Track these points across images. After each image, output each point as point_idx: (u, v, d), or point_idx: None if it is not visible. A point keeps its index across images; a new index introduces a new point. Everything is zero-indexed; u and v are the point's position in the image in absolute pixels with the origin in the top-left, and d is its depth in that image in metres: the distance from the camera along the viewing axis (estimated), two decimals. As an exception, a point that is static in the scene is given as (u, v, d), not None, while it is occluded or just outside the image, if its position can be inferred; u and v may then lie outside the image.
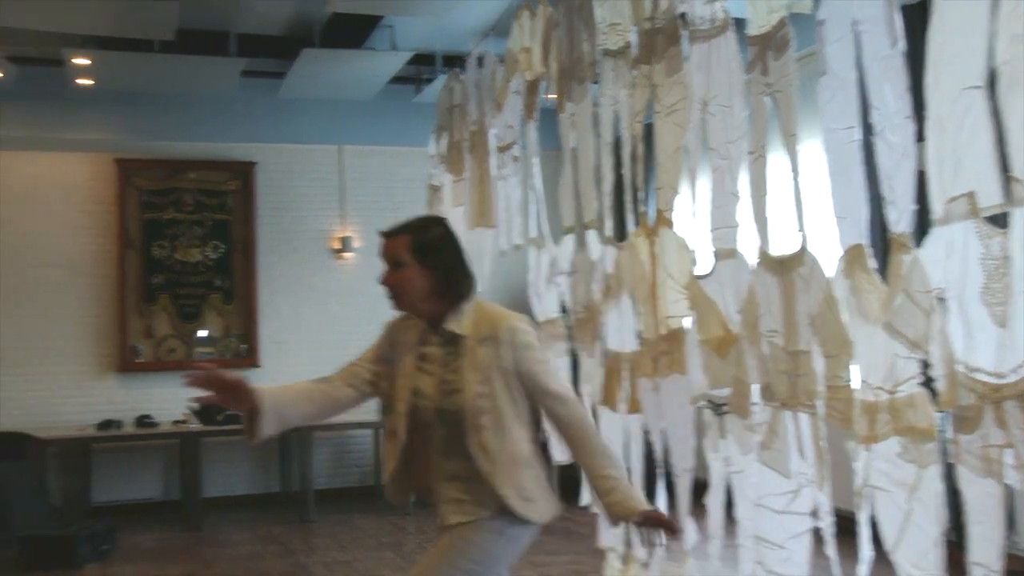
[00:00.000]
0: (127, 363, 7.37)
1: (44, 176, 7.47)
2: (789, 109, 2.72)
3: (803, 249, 2.68)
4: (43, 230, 7.40)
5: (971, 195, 2.16)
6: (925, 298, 2.26)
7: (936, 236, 2.26)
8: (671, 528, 2.42)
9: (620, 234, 3.74)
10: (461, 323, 2.52)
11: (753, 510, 2.96)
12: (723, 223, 3.04)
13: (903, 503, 2.36)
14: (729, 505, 3.14)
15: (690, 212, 3.35)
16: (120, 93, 7.41)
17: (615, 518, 2.46)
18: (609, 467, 2.48)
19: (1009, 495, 2.16)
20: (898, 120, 2.37)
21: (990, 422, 2.13)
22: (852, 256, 2.50)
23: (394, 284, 2.53)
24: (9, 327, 7.20)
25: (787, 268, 2.73)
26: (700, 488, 3.29)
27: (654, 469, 3.49)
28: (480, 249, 5.03)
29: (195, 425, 6.99)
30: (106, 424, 6.98)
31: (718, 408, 3.13)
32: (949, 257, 2.23)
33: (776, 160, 2.83)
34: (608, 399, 3.73)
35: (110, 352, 7.33)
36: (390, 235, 2.56)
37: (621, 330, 3.64)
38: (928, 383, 2.31)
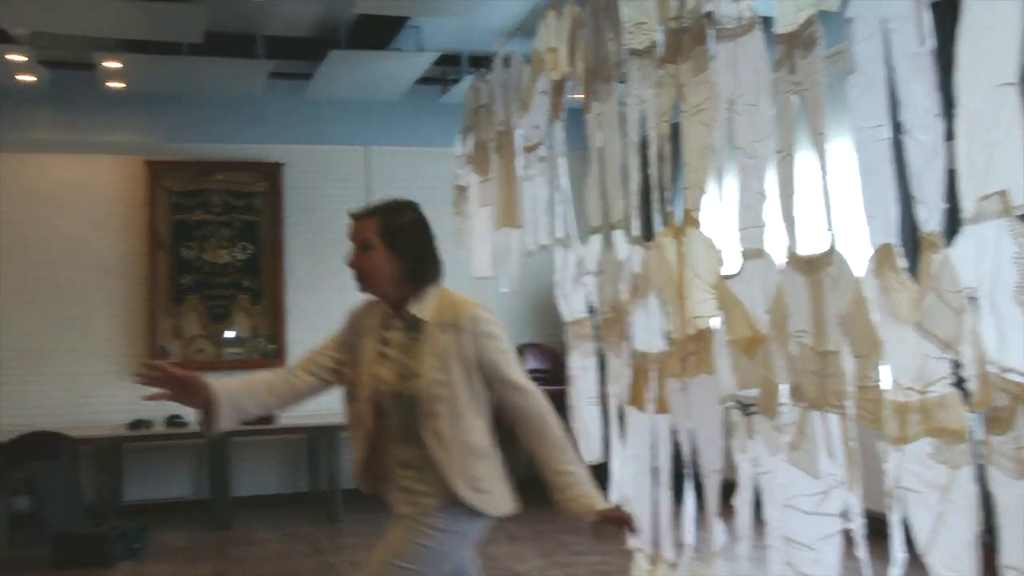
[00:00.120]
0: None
1: (75, 178, 7.55)
2: (817, 108, 2.70)
3: (832, 249, 2.67)
4: (74, 231, 7.49)
5: (1003, 193, 2.14)
6: (956, 298, 2.24)
7: (967, 235, 2.24)
8: (630, 527, 2.36)
9: (647, 234, 3.73)
10: (424, 308, 2.49)
11: (782, 511, 2.94)
12: (750, 223, 3.03)
13: (935, 504, 2.33)
14: (757, 506, 3.12)
15: (717, 212, 3.33)
16: (150, 96, 7.48)
17: (571, 516, 2.39)
18: (568, 462, 2.42)
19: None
20: (928, 118, 2.34)
21: (1023, 423, 2.10)
22: (882, 256, 2.48)
23: (361, 267, 2.51)
24: (41, 327, 7.29)
25: (816, 268, 2.71)
26: (729, 489, 3.28)
27: (682, 470, 3.48)
28: (506, 249, 5.03)
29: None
30: (137, 424, 7.06)
31: (746, 408, 3.11)
32: (981, 256, 2.20)
33: (804, 159, 2.81)
34: (636, 399, 3.72)
35: (140, 352, 7.40)
36: (359, 217, 2.53)
37: (649, 330, 3.63)
38: (960, 383, 2.29)
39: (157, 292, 7.55)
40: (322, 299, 7.75)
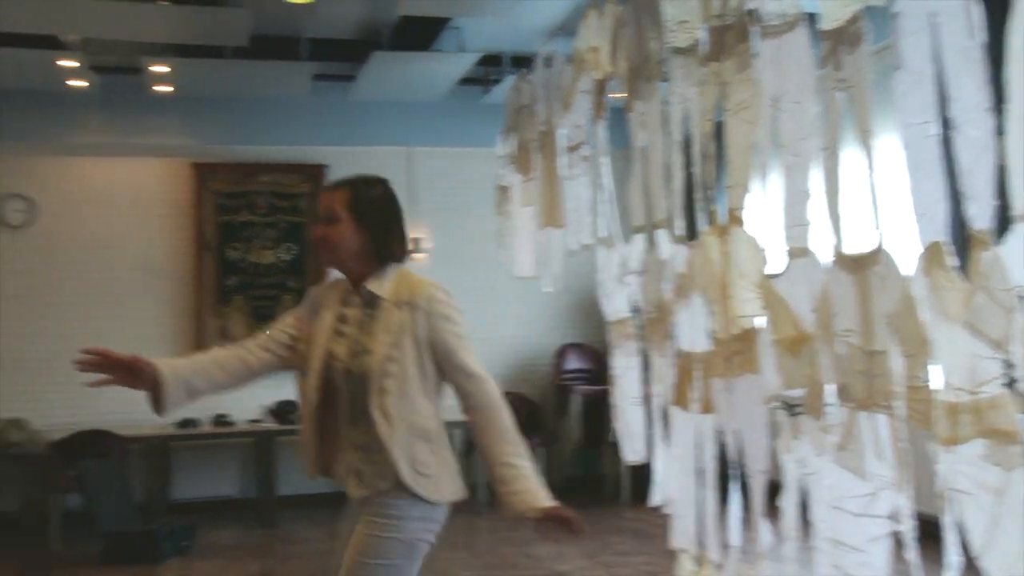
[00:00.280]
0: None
1: (124, 181, 7.68)
2: (864, 105, 2.67)
3: (879, 247, 2.63)
4: (122, 233, 7.61)
5: (1056, 190, 2.10)
6: (1007, 296, 2.20)
7: (1018, 232, 2.20)
8: (573, 527, 2.29)
9: (691, 233, 3.71)
10: (382, 285, 2.46)
11: (829, 512, 2.91)
12: (795, 221, 3.00)
13: (989, 507, 2.29)
14: (803, 507, 3.09)
15: (761, 210, 3.30)
16: (196, 99, 7.58)
17: (511, 511, 2.32)
18: (515, 455, 2.35)
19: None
20: (978, 113, 2.31)
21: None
22: (931, 254, 2.44)
23: (325, 237, 2.48)
24: (91, 328, 7.41)
25: (863, 266, 2.68)
26: (774, 490, 3.25)
27: (727, 470, 3.45)
28: (549, 249, 5.03)
29: (270, 424, 7.12)
30: (185, 423, 7.15)
31: (791, 409, 3.09)
32: (1033, 254, 2.17)
33: (850, 157, 2.78)
34: (680, 399, 3.70)
35: (187, 352, 7.48)
36: (330, 188, 2.51)
37: (693, 329, 3.61)
38: (1011, 384, 2.25)
39: (203, 293, 7.64)
40: (366, 299, 7.77)
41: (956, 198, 2.39)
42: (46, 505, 6.54)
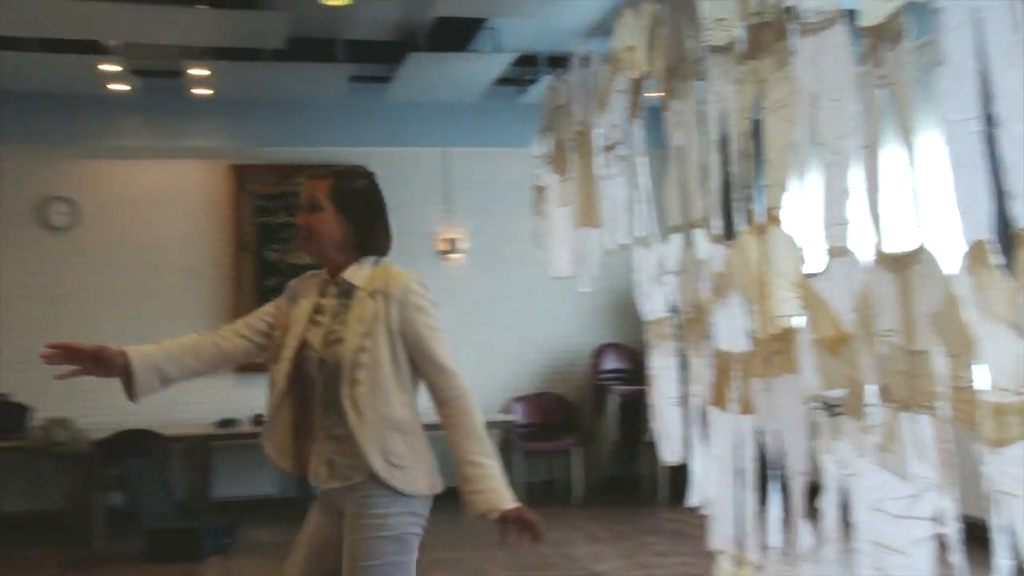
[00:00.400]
0: (243, 364, 7.60)
1: (164, 183, 7.78)
2: (905, 101, 2.64)
3: (921, 246, 2.60)
4: (163, 235, 7.71)
5: (1103, 187, 2.06)
6: (1054, 295, 2.17)
7: (1065, 230, 2.16)
8: (534, 531, 2.25)
9: (728, 232, 3.69)
10: (358, 274, 2.46)
11: (870, 514, 2.88)
12: (835, 220, 2.97)
13: (1035, 510, 2.26)
14: (844, 508, 3.06)
15: (800, 209, 3.28)
16: (235, 101, 7.66)
17: (473, 511, 2.29)
18: (481, 454, 2.33)
19: None
20: (1022, 109, 2.27)
21: None
22: (975, 252, 2.41)
23: (306, 225, 2.48)
24: (132, 329, 7.51)
25: (904, 265, 2.64)
26: (814, 491, 3.22)
27: (766, 471, 3.43)
28: (586, 249, 5.02)
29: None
30: (225, 422, 7.22)
31: (831, 409, 3.06)
32: (1080, 252, 2.13)
33: (890, 154, 2.75)
34: (718, 399, 3.68)
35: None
36: (314, 177, 2.51)
37: (731, 329, 3.59)
38: (1058, 384, 2.21)
39: (243, 294, 7.71)
40: (403, 300, 7.81)
41: (1000, 195, 2.35)
42: (90, 503, 6.64)
